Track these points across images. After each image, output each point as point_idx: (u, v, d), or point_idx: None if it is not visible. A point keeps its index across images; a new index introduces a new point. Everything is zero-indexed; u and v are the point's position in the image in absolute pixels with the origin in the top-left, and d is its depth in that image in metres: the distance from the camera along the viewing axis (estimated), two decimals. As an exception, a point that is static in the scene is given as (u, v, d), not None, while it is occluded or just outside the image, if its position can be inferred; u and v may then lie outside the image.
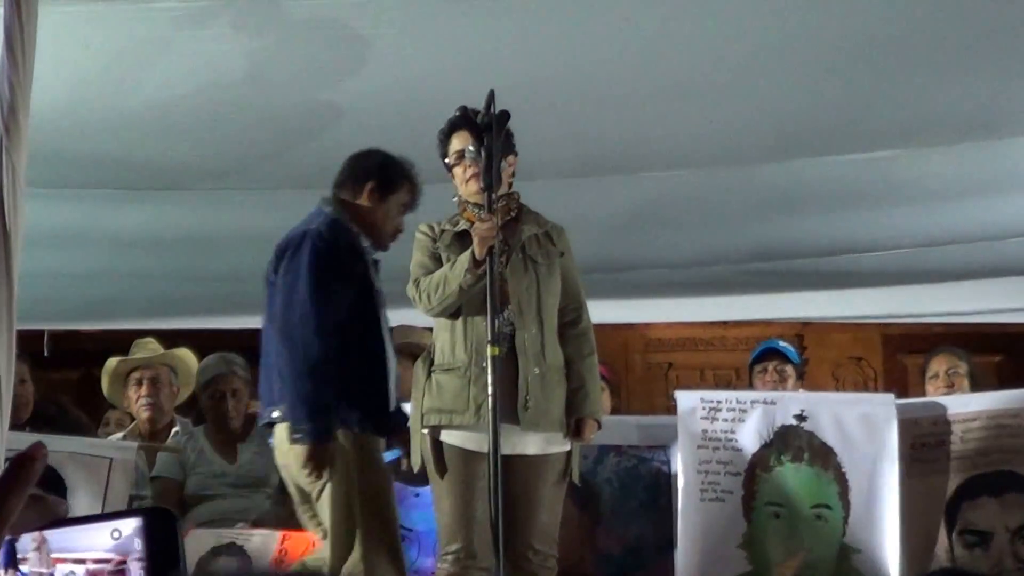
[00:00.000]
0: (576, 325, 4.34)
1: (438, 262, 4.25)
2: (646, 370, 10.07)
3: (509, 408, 4.05)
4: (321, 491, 4.22)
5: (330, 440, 4.17)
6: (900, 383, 8.86)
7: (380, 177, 4.43)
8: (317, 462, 4.16)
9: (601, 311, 7.06)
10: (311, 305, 4.20)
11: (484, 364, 4.05)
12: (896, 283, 6.91)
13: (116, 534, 0.92)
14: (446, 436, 4.18)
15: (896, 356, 9.92)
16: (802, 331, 9.09)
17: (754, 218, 5.86)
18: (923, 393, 6.03)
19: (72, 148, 4.64)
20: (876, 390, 9.06)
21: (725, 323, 9.48)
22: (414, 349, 5.41)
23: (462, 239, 4.22)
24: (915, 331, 8.98)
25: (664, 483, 5.00)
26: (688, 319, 8.92)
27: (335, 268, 4.27)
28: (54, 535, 0.95)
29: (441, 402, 4.17)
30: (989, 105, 4.52)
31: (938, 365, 6.04)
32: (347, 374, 4.22)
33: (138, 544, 0.93)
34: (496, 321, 4.01)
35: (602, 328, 6.29)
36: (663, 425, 5.13)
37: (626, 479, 5.03)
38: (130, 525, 0.92)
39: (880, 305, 7.45)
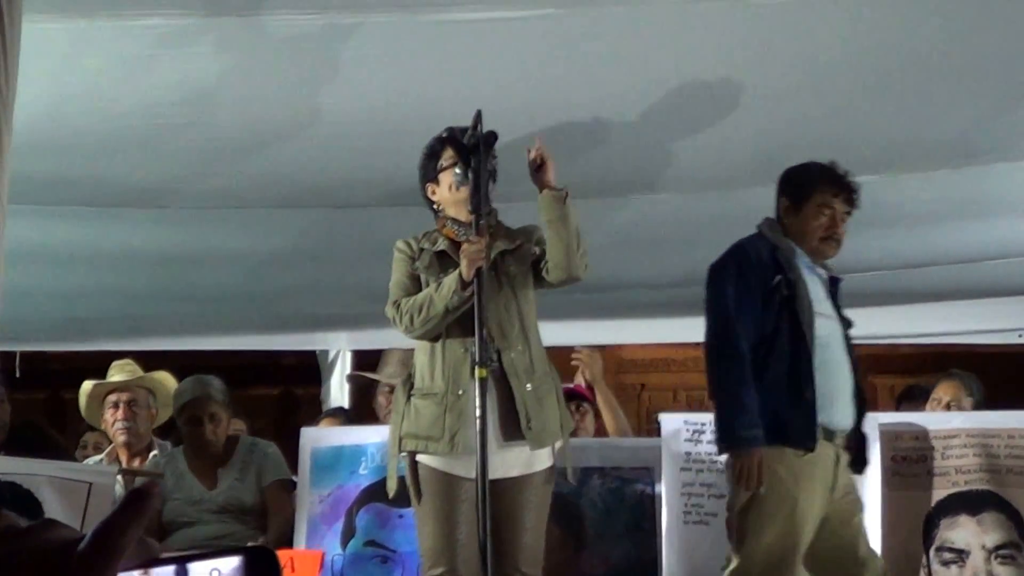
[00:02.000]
0: None
1: (417, 283, 4.21)
2: (619, 391, 10.05)
3: (511, 430, 4.03)
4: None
5: (742, 454, 4.19)
6: (871, 402, 8.92)
7: (788, 192, 4.47)
8: (738, 474, 4.22)
9: (575, 332, 7.08)
10: (714, 325, 4.35)
11: (460, 392, 4.04)
12: (866, 304, 6.90)
13: (215, 573, 0.89)
14: (426, 459, 4.14)
15: (866, 376, 9.98)
16: (774, 352, 9.10)
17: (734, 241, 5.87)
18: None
19: (49, 165, 4.57)
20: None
21: (697, 344, 9.49)
22: None
23: (442, 259, 4.18)
24: (884, 352, 9.04)
25: (648, 505, 4.99)
26: (661, 340, 8.92)
27: (742, 285, 4.32)
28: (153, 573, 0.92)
29: (418, 428, 4.11)
30: (968, 133, 4.56)
31: (944, 392, 6.05)
32: (763, 389, 4.23)
33: None
34: (481, 343, 3.98)
35: (575, 350, 6.30)
36: (648, 447, 5.13)
37: (610, 501, 5.02)
38: (230, 564, 0.89)
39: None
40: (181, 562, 0.88)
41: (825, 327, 4.29)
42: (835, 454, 4.25)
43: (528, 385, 4.08)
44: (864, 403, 4.41)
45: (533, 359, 4.14)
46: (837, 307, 4.41)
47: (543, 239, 4.23)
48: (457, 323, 4.07)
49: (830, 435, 4.22)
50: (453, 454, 4.03)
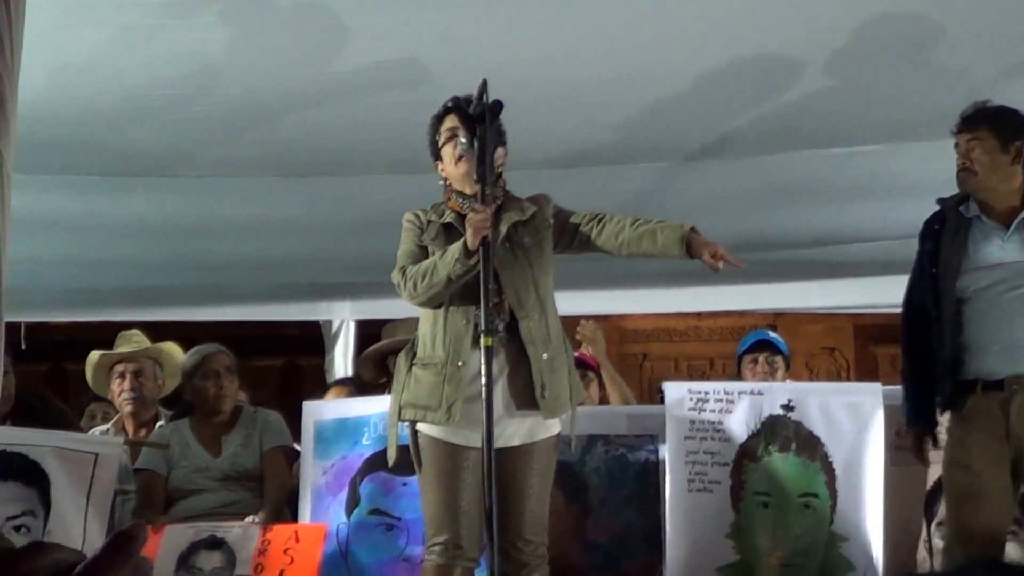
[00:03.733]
0: (603, 218, 4.23)
1: (424, 253, 4.20)
2: (621, 360, 10.06)
3: (525, 398, 4.04)
4: None
5: (916, 425, 4.46)
6: (872, 373, 8.94)
7: None
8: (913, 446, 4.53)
9: (577, 302, 7.09)
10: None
11: (460, 363, 4.04)
12: (869, 274, 6.94)
13: None
14: (425, 428, 4.14)
15: (868, 347, 9.98)
16: (775, 322, 9.13)
17: (739, 210, 5.86)
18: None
19: (55, 134, 4.58)
20: (848, 380, 9.12)
21: (699, 314, 9.52)
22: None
23: (448, 231, 4.17)
24: (886, 322, 9.04)
25: (653, 472, 4.98)
26: (663, 310, 8.90)
27: (920, 252, 4.48)
28: None
29: (416, 397, 4.12)
30: (975, 100, 4.52)
31: None
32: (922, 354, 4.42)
33: None
34: (487, 312, 3.99)
35: (577, 319, 6.29)
36: (652, 414, 5.13)
37: (614, 468, 5.02)
38: None
39: (853, 296, 7.48)
40: None
41: (982, 279, 4.26)
42: (1003, 399, 4.21)
43: (544, 355, 4.09)
44: None
45: (550, 329, 4.14)
46: None
47: (561, 211, 4.25)
48: (461, 293, 4.07)
49: (990, 385, 4.23)
50: (450, 424, 4.04)
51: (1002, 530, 4.24)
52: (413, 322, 4.70)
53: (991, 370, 4.22)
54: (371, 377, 6.10)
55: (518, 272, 4.12)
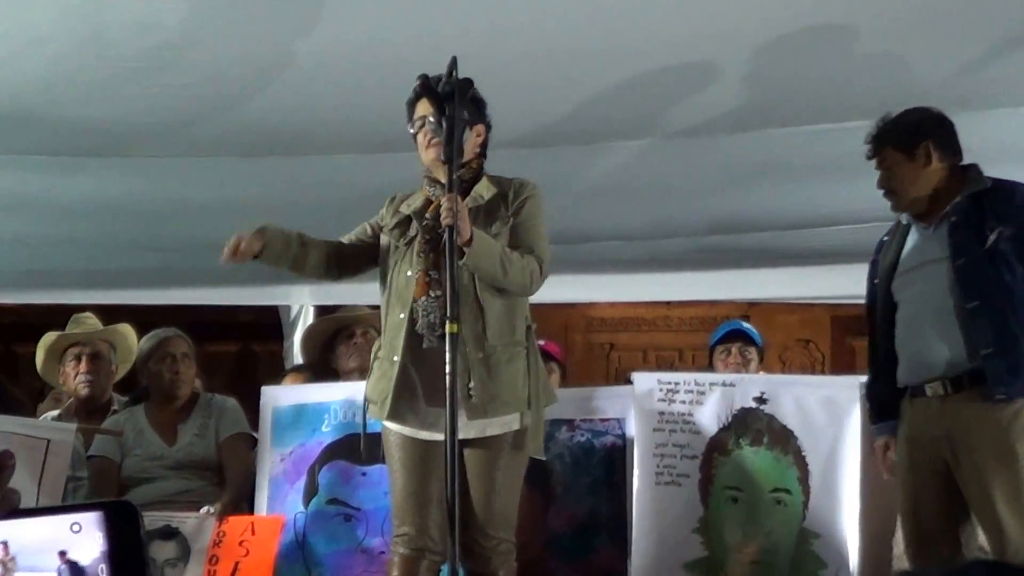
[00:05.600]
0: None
1: (365, 243, 4.21)
2: (587, 350, 10.01)
3: (441, 397, 3.82)
4: None
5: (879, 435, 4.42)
6: (848, 366, 8.79)
7: None
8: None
9: (542, 290, 6.98)
10: None
11: (395, 358, 4.00)
12: (847, 262, 6.78)
13: (76, 527, 0.86)
14: (389, 422, 4.11)
15: (845, 339, 9.88)
16: (748, 312, 9.02)
17: (712, 190, 5.75)
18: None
19: (5, 111, 4.48)
20: (823, 374, 9.02)
21: (668, 303, 9.45)
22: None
23: (408, 223, 4.10)
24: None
25: (619, 458, 4.90)
26: (632, 299, 8.81)
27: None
28: (13, 534, 0.88)
29: (368, 389, 4.19)
30: (961, 78, 4.44)
31: None
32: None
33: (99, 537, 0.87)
34: (415, 308, 3.94)
35: (543, 308, 6.19)
36: (618, 396, 5.03)
37: (579, 454, 4.93)
38: (90, 518, 0.87)
39: (830, 285, 7.33)
40: (41, 515, 0.87)
41: (906, 283, 4.24)
42: (926, 403, 4.14)
43: (479, 354, 3.97)
44: (971, 331, 4.00)
45: (488, 328, 3.99)
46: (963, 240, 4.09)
47: (521, 216, 4.10)
48: (398, 288, 4.04)
49: (914, 391, 4.18)
50: (384, 418, 4.06)
51: (939, 534, 4.15)
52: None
53: (910, 376, 4.18)
54: (311, 360, 6.02)
55: (459, 269, 3.87)
